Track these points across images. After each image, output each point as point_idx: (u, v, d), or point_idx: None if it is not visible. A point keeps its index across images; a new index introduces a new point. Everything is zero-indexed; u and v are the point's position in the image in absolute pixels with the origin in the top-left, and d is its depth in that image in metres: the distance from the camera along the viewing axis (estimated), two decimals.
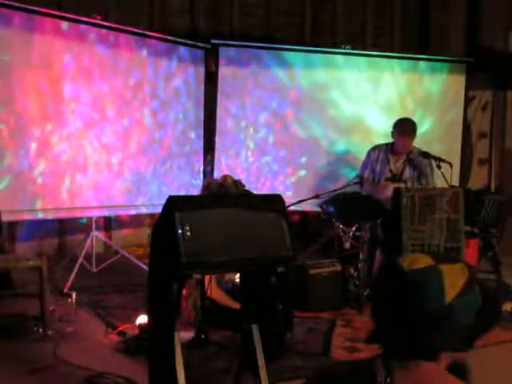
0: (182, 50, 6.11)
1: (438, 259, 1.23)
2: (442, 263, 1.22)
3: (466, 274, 1.22)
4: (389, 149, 5.22)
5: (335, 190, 5.03)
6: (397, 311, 1.21)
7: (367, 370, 1.22)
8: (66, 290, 4.75)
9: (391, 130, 5.19)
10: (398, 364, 1.20)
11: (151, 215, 6.35)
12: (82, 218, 5.86)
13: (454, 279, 1.20)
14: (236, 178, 4.07)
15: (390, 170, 5.16)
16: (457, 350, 1.24)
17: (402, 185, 5.02)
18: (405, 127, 5.12)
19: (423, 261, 1.22)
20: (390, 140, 5.25)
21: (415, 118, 5.36)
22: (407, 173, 5.13)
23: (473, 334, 1.23)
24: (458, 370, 1.25)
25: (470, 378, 1.26)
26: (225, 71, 6.31)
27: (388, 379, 1.18)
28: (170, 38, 6.02)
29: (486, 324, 1.24)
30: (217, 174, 6.03)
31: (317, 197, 5.07)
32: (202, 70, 6.29)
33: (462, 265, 1.24)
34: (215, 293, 3.78)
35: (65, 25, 5.19)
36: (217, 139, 6.33)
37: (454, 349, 1.23)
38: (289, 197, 5.84)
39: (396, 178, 5.12)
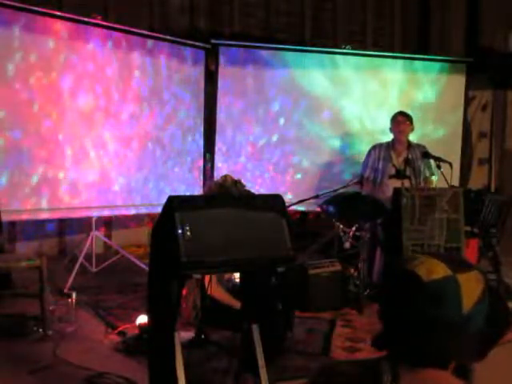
0: (182, 49, 6.11)
1: (455, 268, 1.21)
2: (458, 272, 1.20)
3: (481, 283, 1.22)
4: (390, 146, 5.25)
5: (335, 190, 5.03)
6: (413, 321, 1.19)
7: (373, 372, 1.21)
8: (66, 290, 4.75)
9: (389, 126, 5.26)
10: (406, 368, 1.19)
11: (151, 215, 6.35)
12: (82, 217, 5.86)
13: (470, 289, 1.20)
14: (236, 177, 4.07)
15: (394, 166, 5.18)
16: (470, 360, 1.23)
17: (406, 181, 5.04)
18: (398, 113, 5.28)
19: (441, 270, 1.20)
20: (390, 139, 5.29)
21: (415, 118, 5.37)
22: (410, 169, 5.15)
23: (486, 343, 1.22)
24: (461, 370, 1.25)
25: (472, 378, 1.25)
26: (225, 71, 6.31)
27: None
28: (169, 37, 6.02)
29: (498, 330, 1.23)
30: (216, 174, 6.03)
31: (317, 197, 5.08)
32: (202, 69, 6.29)
33: (477, 272, 1.23)
34: (216, 291, 3.78)
35: (65, 25, 5.19)
36: (217, 139, 6.33)
37: (468, 359, 1.23)
38: (289, 197, 5.85)
39: (401, 173, 5.14)
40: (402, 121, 5.19)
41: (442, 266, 1.21)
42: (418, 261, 1.24)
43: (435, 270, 1.21)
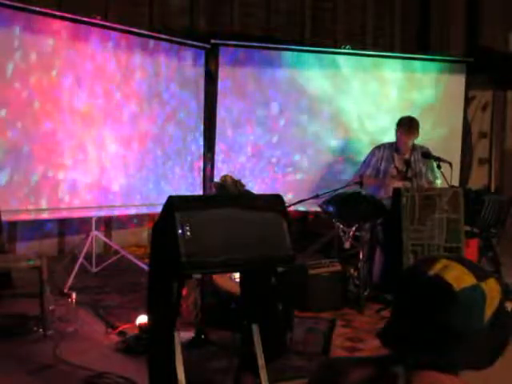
0: (182, 49, 6.11)
1: (478, 275, 1.21)
2: (482, 280, 1.20)
3: (499, 292, 1.21)
4: (393, 147, 5.26)
5: (335, 190, 5.03)
6: (437, 328, 1.18)
7: (386, 376, 1.19)
8: (66, 290, 4.75)
9: (394, 127, 5.25)
10: (417, 373, 1.19)
11: (151, 215, 6.35)
12: (81, 217, 5.85)
13: (492, 298, 1.20)
14: (236, 177, 4.08)
15: (396, 168, 5.19)
16: (480, 367, 1.23)
17: (407, 182, 5.05)
18: (405, 124, 5.21)
19: (467, 278, 1.19)
20: (392, 139, 5.30)
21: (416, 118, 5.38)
22: (412, 170, 5.16)
23: (497, 350, 1.22)
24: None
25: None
26: (225, 71, 6.31)
27: None
28: (169, 37, 6.02)
29: (506, 337, 1.23)
30: (216, 174, 6.03)
31: (317, 197, 5.07)
32: (202, 69, 6.29)
33: (494, 279, 1.23)
34: (219, 278, 3.78)
35: (65, 25, 5.19)
36: (217, 139, 6.33)
37: (479, 366, 1.22)
38: (289, 197, 5.85)
39: (402, 175, 5.15)
40: (405, 135, 5.15)
41: (467, 273, 1.20)
42: (440, 264, 1.21)
43: (462, 278, 1.19)
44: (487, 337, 1.19)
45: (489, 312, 1.18)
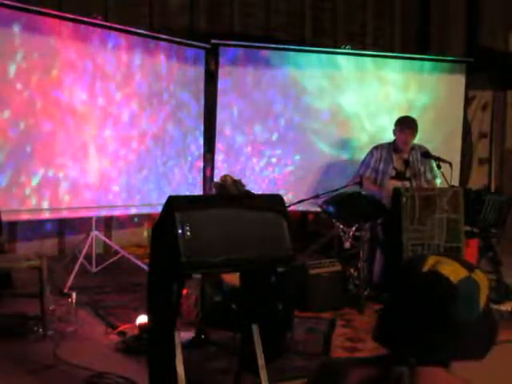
0: (182, 49, 6.11)
1: (467, 267, 1.22)
2: (472, 271, 1.22)
3: (487, 281, 1.24)
4: (391, 147, 5.25)
5: (335, 190, 5.03)
6: (440, 322, 1.18)
7: (390, 377, 1.19)
8: (66, 290, 4.75)
9: (393, 128, 5.25)
10: (419, 370, 1.19)
11: (151, 215, 6.35)
12: (82, 217, 5.85)
13: (484, 288, 1.22)
14: (236, 177, 4.08)
15: (395, 168, 5.19)
16: (475, 358, 1.23)
17: (406, 183, 5.05)
18: (406, 123, 5.21)
19: (460, 271, 1.21)
20: (391, 139, 5.30)
21: (415, 118, 5.37)
22: (411, 170, 5.16)
23: (489, 340, 1.23)
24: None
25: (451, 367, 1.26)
26: (225, 71, 6.31)
27: None
28: (169, 37, 6.02)
29: (495, 326, 1.24)
30: (217, 174, 6.03)
31: (317, 197, 5.07)
32: (202, 69, 6.29)
33: (479, 270, 1.25)
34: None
35: (65, 25, 5.19)
36: (217, 139, 6.33)
37: (474, 357, 1.23)
38: (289, 197, 5.85)
39: (401, 175, 5.16)
40: (408, 133, 5.16)
41: (458, 266, 1.22)
42: (431, 260, 1.23)
43: (457, 271, 1.21)
44: (483, 325, 1.21)
45: (483, 301, 1.20)
